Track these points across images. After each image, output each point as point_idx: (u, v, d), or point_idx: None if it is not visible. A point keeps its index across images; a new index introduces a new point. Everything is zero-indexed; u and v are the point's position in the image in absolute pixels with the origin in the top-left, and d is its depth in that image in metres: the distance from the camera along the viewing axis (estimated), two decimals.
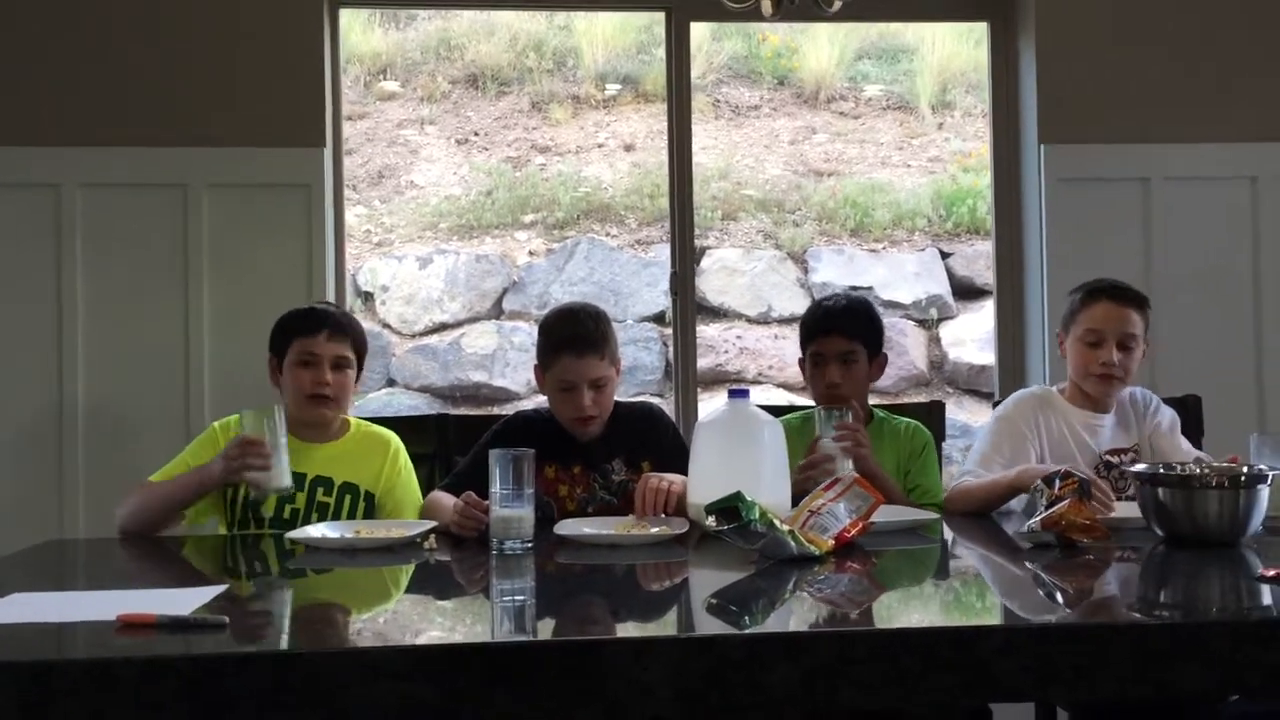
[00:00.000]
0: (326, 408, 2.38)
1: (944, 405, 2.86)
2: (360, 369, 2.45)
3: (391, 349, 5.73)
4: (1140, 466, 2.10)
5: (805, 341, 2.56)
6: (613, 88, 6.40)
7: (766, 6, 2.19)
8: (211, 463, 2.26)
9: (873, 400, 2.66)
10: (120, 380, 3.05)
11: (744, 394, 2.23)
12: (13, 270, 3.05)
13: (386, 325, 5.80)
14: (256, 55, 3.10)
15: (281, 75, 3.11)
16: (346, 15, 3.35)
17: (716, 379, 5.58)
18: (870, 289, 5.80)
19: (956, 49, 6.42)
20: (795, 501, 2.07)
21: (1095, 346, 2.47)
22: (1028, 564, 1.90)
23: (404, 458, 2.45)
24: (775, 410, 2.49)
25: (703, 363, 5.39)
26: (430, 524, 2.16)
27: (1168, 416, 2.56)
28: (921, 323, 5.83)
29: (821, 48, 6.49)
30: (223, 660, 1.37)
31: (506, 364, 5.62)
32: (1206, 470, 2.05)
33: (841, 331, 2.50)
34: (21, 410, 3.04)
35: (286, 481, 2.19)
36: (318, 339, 2.36)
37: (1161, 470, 2.06)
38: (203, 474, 2.26)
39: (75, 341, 3.04)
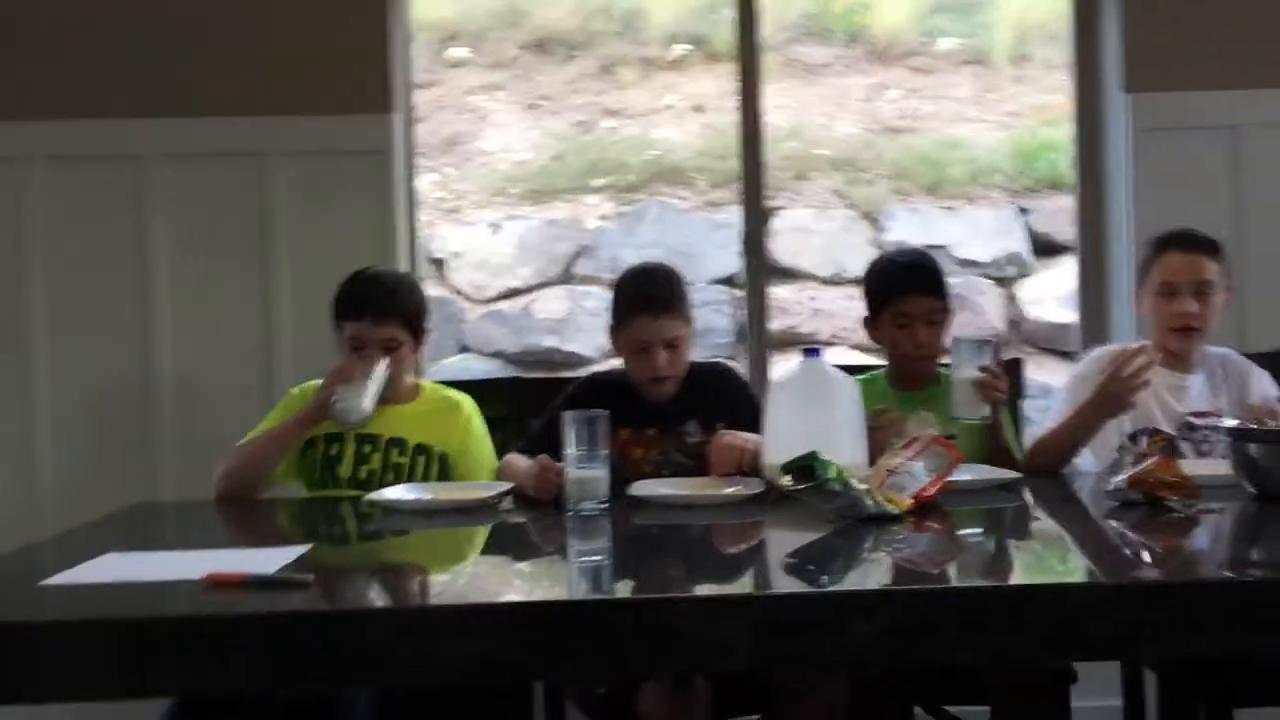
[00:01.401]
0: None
1: (1021, 362, 2.80)
2: (420, 336, 2.43)
3: (463, 315, 5.78)
4: (1231, 422, 2.04)
5: (882, 300, 2.45)
6: (681, 48, 6.34)
7: None
8: (309, 402, 2.34)
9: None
10: (203, 348, 3.11)
11: (817, 352, 2.20)
12: (96, 241, 3.11)
13: (458, 292, 5.85)
14: (327, 21, 3.12)
15: (352, 42, 3.12)
16: None
17: (790, 341, 5.53)
18: (945, 247, 5.70)
19: None
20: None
21: (1170, 298, 2.38)
22: (1113, 522, 1.86)
23: (477, 419, 2.45)
24: (849, 370, 2.46)
25: (775, 325, 5.34)
26: (506, 486, 2.18)
27: (1270, 385, 2.41)
28: (999, 280, 5.72)
29: (895, 3, 6.36)
30: (309, 617, 1.40)
31: (578, 328, 5.64)
32: None
33: (929, 290, 2.42)
34: (106, 379, 3.10)
35: (367, 409, 2.25)
36: (362, 324, 2.36)
37: (1253, 425, 1.99)
38: (300, 413, 2.34)
39: (158, 311, 3.10)
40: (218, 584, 1.51)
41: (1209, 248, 2.41)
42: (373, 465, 2.36)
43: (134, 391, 3.10)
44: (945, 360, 2.42)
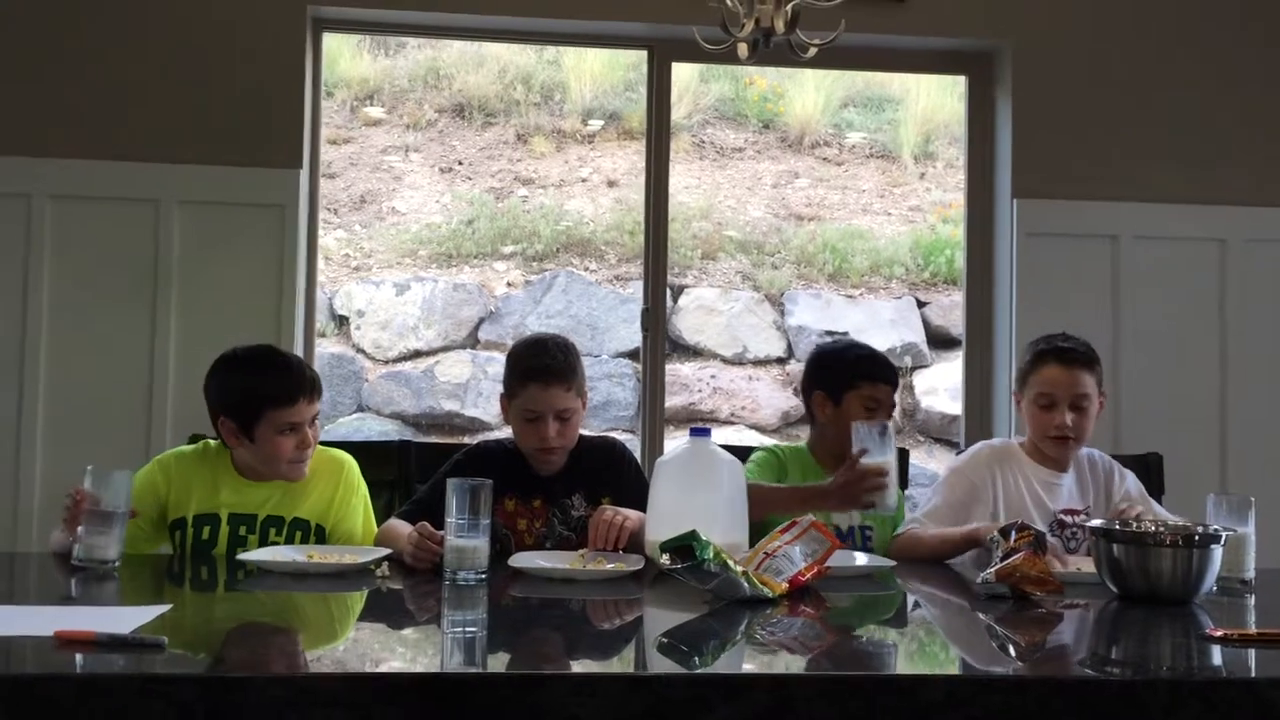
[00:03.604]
0: (307, 464, 2.32)
1: (907, 453, 2.87)
2: None
3: (364, 374, 5.71)
4: (1096, 522, 2.10)
5: (852, 382, 2.52)
6: (596, 123, 6.44)
7: (742, 50, 2.22)
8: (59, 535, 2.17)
9: None
10: (84, 394, 3.03)
11: (705, 432, 2.23)
12: None
13: (360, 350, 5.78)
14: (238, 74, 3.11)
15: (262, 96, 3.12)
16: (333, 40, 3.37)
17: (690, 417, 5.59)
18: (846, 334, 5.83)
19: (941, 100, 6.49)
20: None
21: (1048, 409, 2.45)
22: (980, 615, 1.90)
23: (356, 479, 2.39)
24: (740, 451, 2.49)
25: (676, 401, 5.40)
26: (384, 551, 2.14)
27: (1132, 484, 2.53)
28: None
29: (808, 94, 6.55)
30: (157, 680, 1.36)
31: (479, 394, 5.61)
32: (1161, 528, 2.06)
33: (890, 383, 2.55)
34: None
35: (112, 555, 2.04)
36: (298, 408, 2.25)
37: (1117, 526, 2.06)
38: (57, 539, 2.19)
39: (38, 353, 3.02)
40: (69, 642, 1.45)
41: (1086, 361, 2.49)
42: (249, 547, 2.26)
43: (7, 434, 3.00)
44: None
